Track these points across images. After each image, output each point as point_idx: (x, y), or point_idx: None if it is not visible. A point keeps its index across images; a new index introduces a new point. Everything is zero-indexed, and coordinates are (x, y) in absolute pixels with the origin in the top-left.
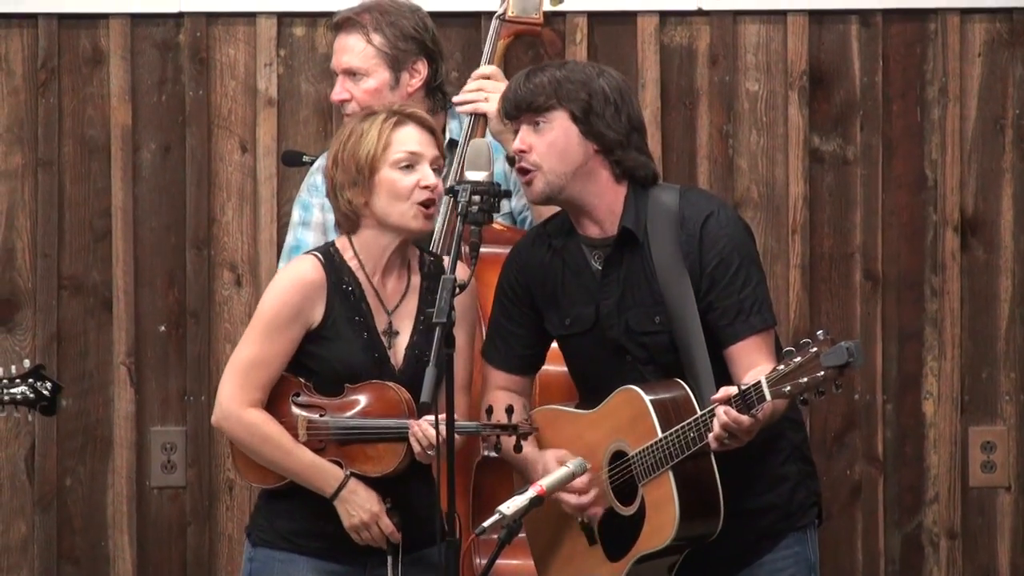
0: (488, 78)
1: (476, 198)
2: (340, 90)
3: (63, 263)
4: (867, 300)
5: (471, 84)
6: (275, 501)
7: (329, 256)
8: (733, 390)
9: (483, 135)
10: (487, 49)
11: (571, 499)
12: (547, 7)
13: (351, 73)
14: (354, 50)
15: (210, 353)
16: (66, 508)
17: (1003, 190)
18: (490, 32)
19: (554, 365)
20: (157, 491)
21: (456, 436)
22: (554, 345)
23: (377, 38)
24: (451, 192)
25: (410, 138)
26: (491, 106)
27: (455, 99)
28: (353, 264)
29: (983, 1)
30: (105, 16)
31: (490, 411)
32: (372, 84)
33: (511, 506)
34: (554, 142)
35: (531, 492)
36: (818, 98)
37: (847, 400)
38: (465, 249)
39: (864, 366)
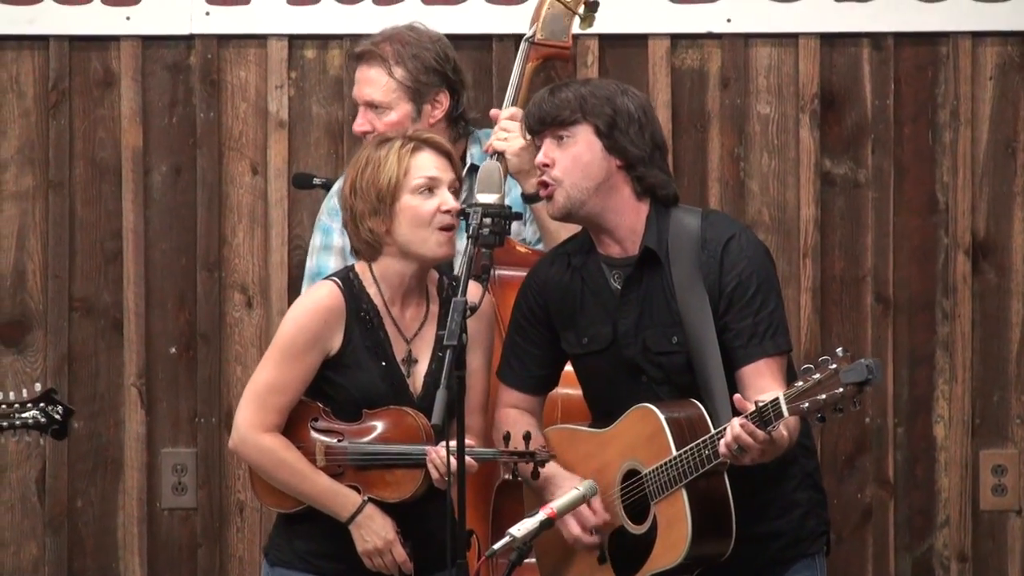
0: (510, 118)
1: (487, 220)
2: (362, 121)
3: (74, 285)
4: (878, 323)
5: (497, 127)
6: (294, 521)
7: (348, 282)
8: (749, 405)
9: (504, 172)
10: (515, 72)
11: (574, 529)
12: (576, 30)
13: (373, 106)
14: (376, 83)
15: (220, 375)
16: (77, 530)
17: (1014, 213)
18: (518, 55)
19: (576, 389)
20: (168, 512)
21: (474, 463)
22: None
23: (399, 71)
24: (462, 214)
25: (428, 163)
26: (509, 145)
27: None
28: (372, 291)
29: (995, 24)
30: (116, 38)
31: (507, 438)
32: (394, 117)
33: (521, 529)
34: (578, 156)
35: (541, 515)
36: (829, 121)
37: (858, 423)
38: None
39: (875, 389)
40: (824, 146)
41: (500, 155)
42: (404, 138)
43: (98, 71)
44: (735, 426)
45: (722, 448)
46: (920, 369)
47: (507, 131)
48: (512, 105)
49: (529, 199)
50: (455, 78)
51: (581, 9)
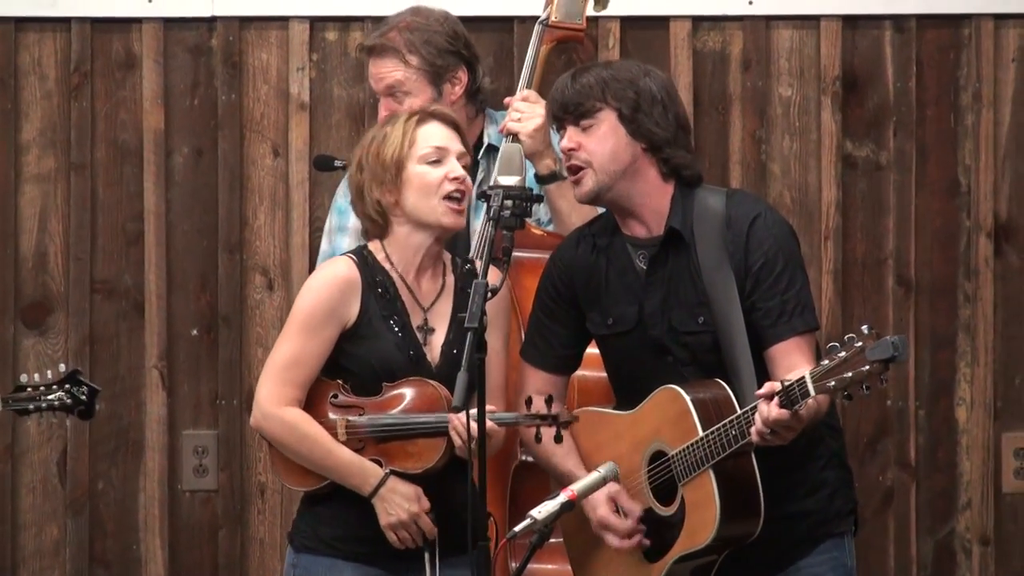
0: (524, 99)
1: (508, 203)
2: (384, 113)
3: (95, 267)
4: (900, 306)
5: (512, 108)
6: (317, 506)
7: (363, 256)
8: (777, 385)
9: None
10: (529, 54)
11: (613, 540)
12: (590, 12)
13: (394, 94)
14: (392, 73)
15: (242, 357)
16: (98, 512)
17: None
18: (533, 37)
19: (593, 371)
20: (189, 495)
21: (496, 428)
22: (592, 350)
23: (414, 59)
24: (483, 197)
25: (435, 134)
26: (523, 126)
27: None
28: (386, 265)
29: (1017, 7)
30: (138, 20)
31: (529, 401)
32: (416, 101)
33: (542, 511)
34: (603, 141)
35: (562, 497)
36: (851, 103)
37: (879, 406)
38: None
39: (896, 372)
40: (846, 128)
41: (515, 136)
42: (410, 112)
43: (120, 53)
44: (763, 410)
45: (754, 438)
46: (942, 352)
47: (521, 112)
48: (527, 88)
49: (542, 180)
50: (469, 53)
51: None
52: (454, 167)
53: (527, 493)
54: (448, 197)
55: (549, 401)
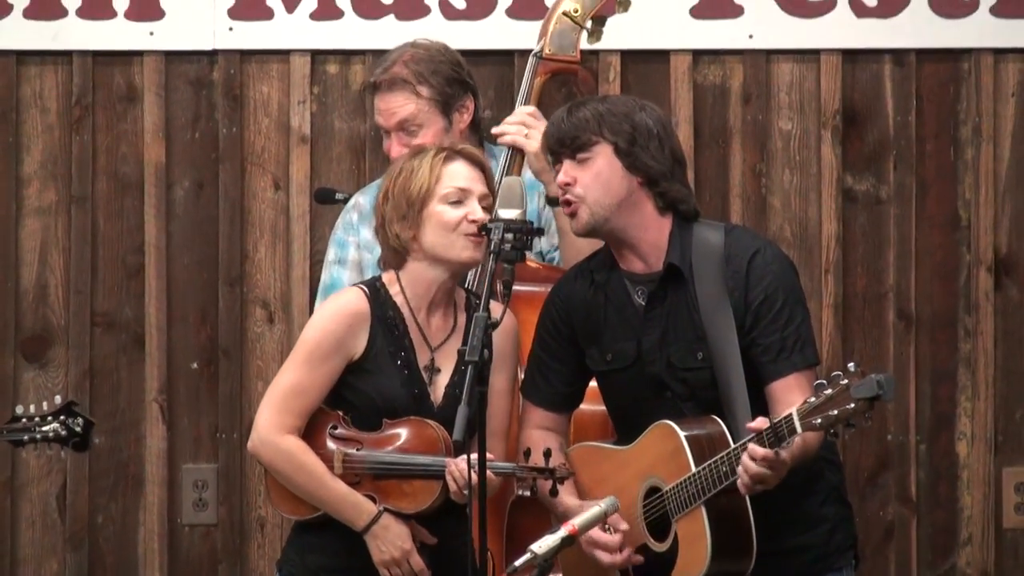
0: (528, 115)
1: (509, 236)
2: (398, 147)
3: (96, 300)
4: (900, 340)
5: (514, 116)
6: (306, 535)
7: (375, 289)
8: (766, 422)
9: (519, 170)
10: (523, 88)
11: (604, 556)
12: (584, 44)
13: (406, 128)
14: (405, 107)
15: (242, 390)
16: (97, 546)
17: None
18: (527, 70)
19: (589, 404)
20: (188, 529)
21: (493, 477)
22: (591, 383)
23: (425, 90)
24: (484, 230)
25: (460, 174)
26: (531, 143)
27: (495, 129)
28: (399, 299)
29: (1017, 41)
30: (139, 53)
31: (528, 453)
32: (429, 133)
33: (543, 545)
34: (598, 175)
35: (563, 531)
36: (851, 137)
37: (880, 440)
38: (499, 287)
39: (897, 406)
40: (846, 162)
41: (520, 152)
42: (439, 147)
43: (121, 86)
44: (746, 461)
45: (742, 488)
46: (942, 386)
47: (527, 126)
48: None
49: (552, 201)
50: (472, 82)
51: (588, 23)
52: (475, 209)
53: (525, 528)
54: (467, 235)
55: (547, 454)
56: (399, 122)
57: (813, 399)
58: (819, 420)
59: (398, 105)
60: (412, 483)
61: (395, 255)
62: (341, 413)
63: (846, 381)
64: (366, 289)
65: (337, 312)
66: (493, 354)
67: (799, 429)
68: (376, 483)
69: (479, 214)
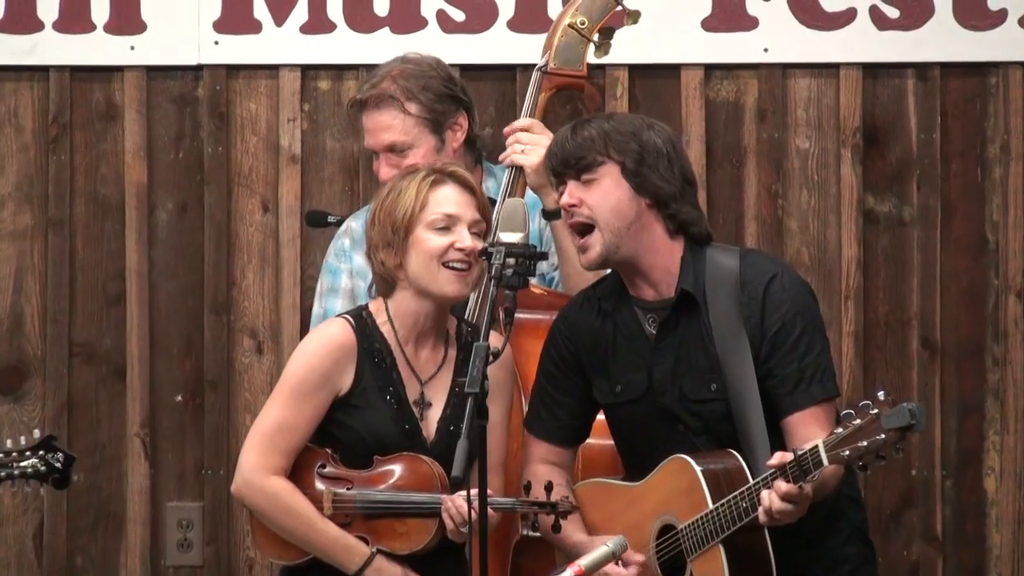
0: (526, 130)
1: (510, 261)
2: (387, 169)
3: (74, 329)
4: (925, 370)
5: (511, 135)
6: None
7: (361, 320)
8: (789, 455)
9: (523, 190)
10: (527, 103)
11: None
12: (591, 59)
13: (395, 148)
14: (393, 125)
15: (229, 425)
16: None
17: None
18: (531, 84)
19: (597, 439)
20: (173, 570)
21: (492, 513)
22: (598, 417)
23: (413, 107)
24: (484, 254)
25: (448, 199)
26: (529, 159)
27: (500, 157)
28: (386, 329)
29: None
30: (120, 68)
31: (528, 487)
32: (419, 153)
33: None
34: (606, 195)
35: (569, 572)
36: (872, 156)
37: (904, 476)
38: (500, 315)
39: (922, 440)
40: (867, 182)
41: (519, 169)
42: (429, 169)
43: (100, 103)
44: (765, 498)
45: (762, 517)
46: (969, 418)
47: (523, 143)
48: None
49: (550, 215)
50: (466, 98)
51: (596, 36)
52: (463, 237)
53: (528, 569)
54: (449, 265)
55: (549, 488)
56: (386, 143)
57: (841, 430)
58: (847, 452)
59: (385, 124)
60: (406, 522)
61: (383, 283)
62: (329, 451)
63: (876, 411)
64: (351, 320)
65: (322, 345)
66: (489, 384)
67: (826, 462)
68: (368, 523)
69: (467, 242)
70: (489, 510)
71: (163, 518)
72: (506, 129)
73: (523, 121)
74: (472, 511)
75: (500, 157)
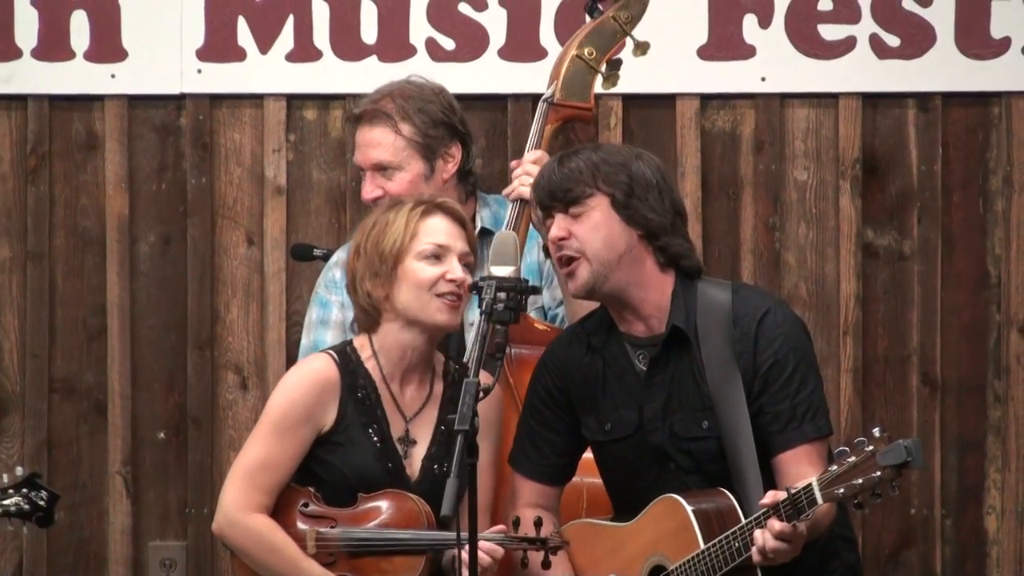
0: (535, 163)
1: (501, 295)
2: (371, 187)
3: (54, 364)
4: (925, 406)
5: (520, 168)
6: None
7: (345, 356)
8: (782, 494)
9: (527, 224)
10: (533, 134)
11: None
12: (599, 90)
13: (382, 168)
14: (383, 143)
15: (213, 462)
16: None
17: None
18: (537, 115)
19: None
20: None
21: (491, 557)
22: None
23: (406, 128)
24: (475, 288)
25: (438, 229)
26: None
27: (504, 191)
28: (370, 365)
29: None
30: (100, 98)
31: (517, 522)
32: (406, 177)
33: None
34: (596, 228)
35: None
36: (872, 188)
37: (903, 515)
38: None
39: (921, 477)
40: (866, 215)
41: (523, 203)
42: (417, 200)
43: (80, 133)
44: (758, 538)
45: (756, 557)
46: (970, 456)
47: (532, 176)
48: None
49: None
50: (464, 130)
51: (603, 67)
52: (453, 268)
53: None
54: (442, 296)
55: (538, 523)
56: (374, 162)
57: (835, 467)
58: (842, 490)
59: (376, 142)
60: (392, 560)
61: (367, 316)
62: (312, 490)
63: (871, 448)
64: (335, 355)
65: (305, 380)
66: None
67: (820, 500)
68: (352, 562)
69: (457, 273)
70: (493, 553)
71: (145, 558)
72: (513, 162)
73: (532, 154)
74: (464, 549)
75: (505, 192)
